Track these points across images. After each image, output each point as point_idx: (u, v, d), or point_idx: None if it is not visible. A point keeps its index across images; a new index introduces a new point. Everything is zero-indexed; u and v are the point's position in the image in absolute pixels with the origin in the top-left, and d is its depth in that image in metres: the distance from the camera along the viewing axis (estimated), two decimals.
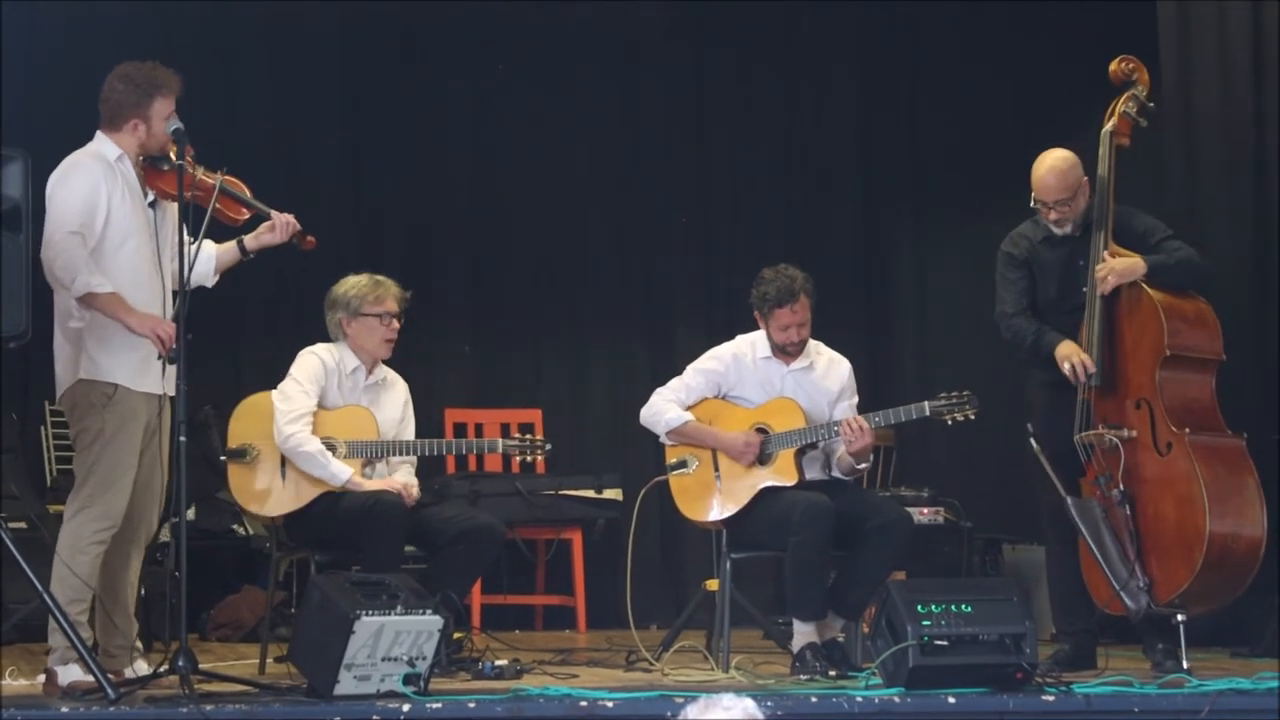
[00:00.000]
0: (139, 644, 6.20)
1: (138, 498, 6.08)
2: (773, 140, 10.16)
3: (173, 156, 6.06)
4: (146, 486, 6.11)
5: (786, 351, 6.87)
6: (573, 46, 9.91)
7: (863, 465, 6.82)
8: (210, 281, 6.31)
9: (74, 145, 6.18)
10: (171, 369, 6.00)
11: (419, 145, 9.82)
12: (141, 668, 6.02)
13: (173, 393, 6.08)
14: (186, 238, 6.02)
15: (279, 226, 6.29)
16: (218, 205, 6.10)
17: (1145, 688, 5.81)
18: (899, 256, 10.24)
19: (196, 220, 6.05)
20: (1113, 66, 7.00)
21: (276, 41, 9.62)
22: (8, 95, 8.23)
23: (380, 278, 7.09)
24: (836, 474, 6.89)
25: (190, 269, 5.95)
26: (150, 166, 6.13)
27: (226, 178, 6.16)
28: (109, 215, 5.99)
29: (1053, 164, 6.81)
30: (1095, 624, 6.85)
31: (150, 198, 6.14)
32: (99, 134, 6.14)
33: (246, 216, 6.25)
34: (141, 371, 6.02)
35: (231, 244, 6.34)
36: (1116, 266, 6.70)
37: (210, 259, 6.26)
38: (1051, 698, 5.69)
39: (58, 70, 8.83)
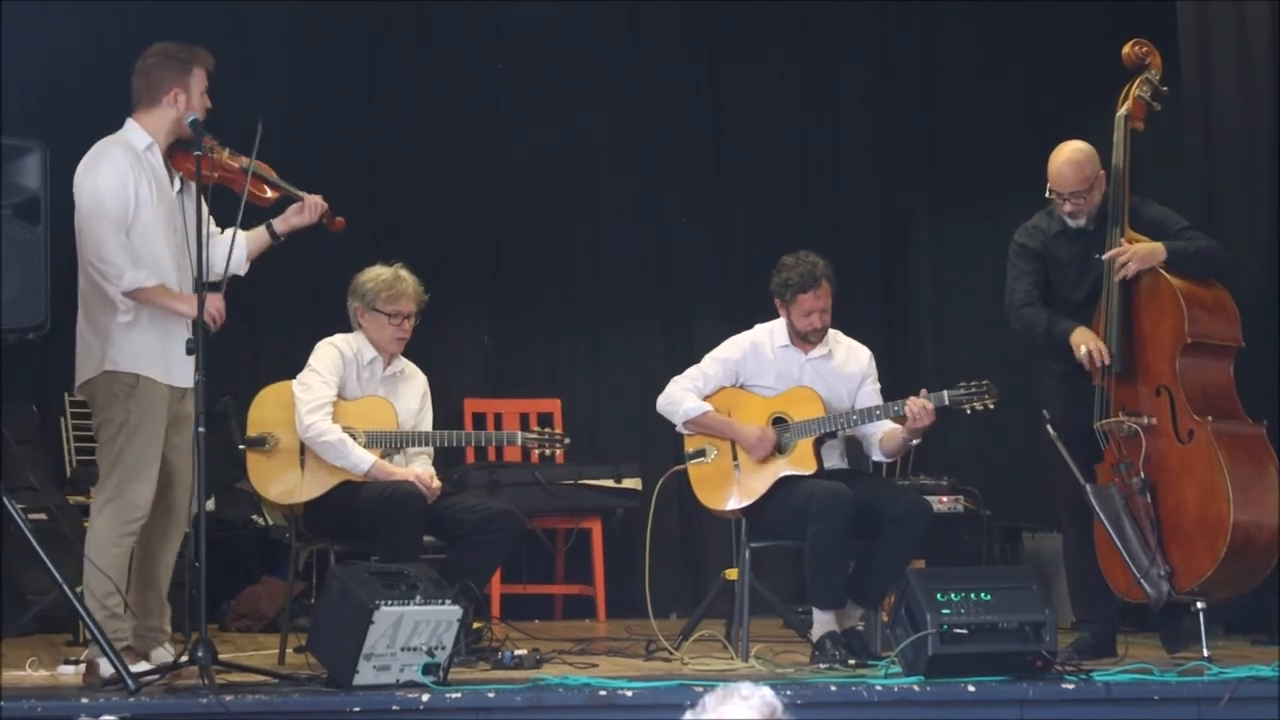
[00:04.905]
0: (168, 629, 6.19)
1: (174, 487, 6.08)
2: (789, 132, 10.14)
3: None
4: (180, 475, 6.09)
5: (807, 339, 6.87)
6: (588, 40, 9.90)
7: (915, 441, 6.82)
8: (244, 269, 6.29)
9: (94, 136, 6.16)
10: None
11: (437, 136, 9.82)
12: (168, 653, 6.02)
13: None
14: (215, 228, 6.07)
15: (308, 207, 6.29)
16: (250, 189, 6.07)
17: (1165, 675, 5.78)
18: (916, 247, 10.21)
19: (222, 202, 6.06)
20: (1125, 50, 6.95)
21: (293, 36, 9.61)
22: (26, 85, 8.23)
23: (403, 273, 7.03)
24: (878, 456, 6.89)
25: (229, 257, 6.08)
26: (180, 151, 6.11)
27: (255, 161, 6.11)
28: (137, 206, 5.98)
29: (1070, 155, 6.77)
30: (1115, 612, 6.84)
31: (178, 185, 6.14)
32: (130, 122, 6.12)
33: (274, 198, 6.23)
34: (165, 364, 6.01)
35: (260, 229, 6.32)
36: (1138, 251, 6.66)
37: (243, 246, 6.23)
38: (1071, 686, 5.67)
39: (75, 61, 8.83)
